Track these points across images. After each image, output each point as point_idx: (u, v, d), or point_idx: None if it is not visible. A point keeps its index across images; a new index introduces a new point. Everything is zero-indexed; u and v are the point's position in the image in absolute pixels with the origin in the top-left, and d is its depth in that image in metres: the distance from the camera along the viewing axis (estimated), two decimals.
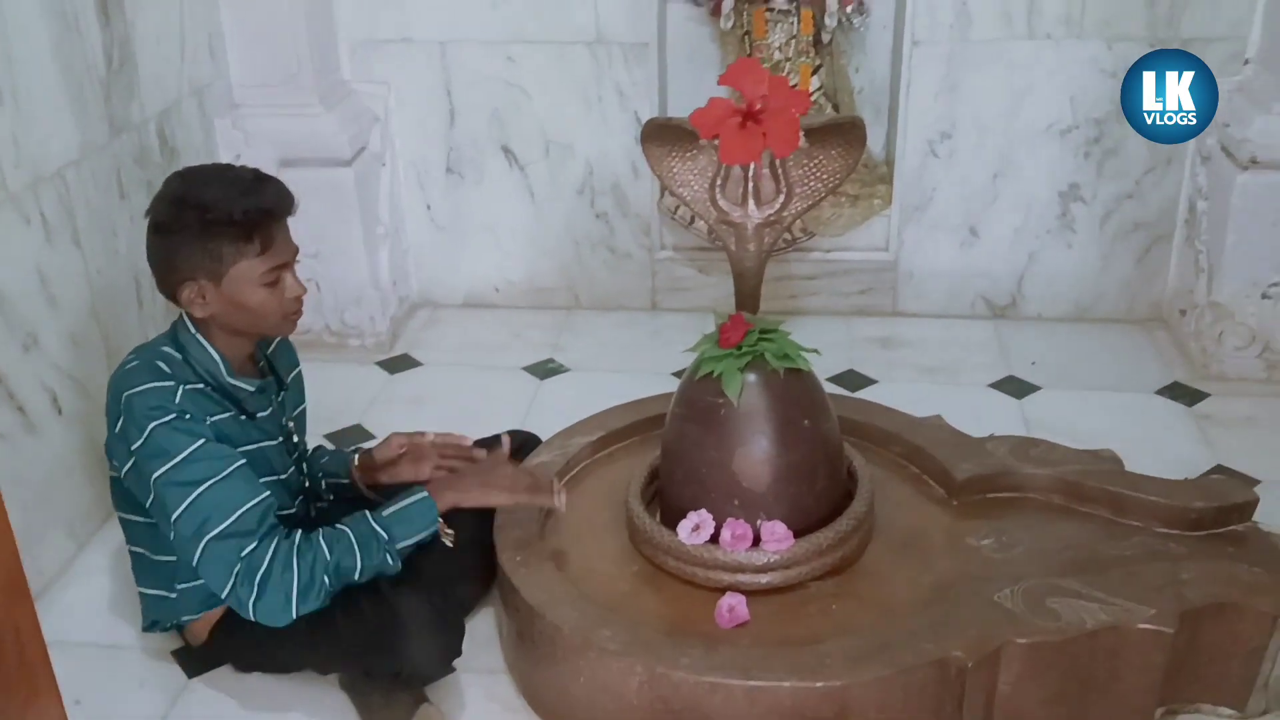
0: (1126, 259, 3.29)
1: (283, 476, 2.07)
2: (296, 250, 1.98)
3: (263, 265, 1.90)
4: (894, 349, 3.26)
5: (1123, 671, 1.89)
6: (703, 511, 2.04)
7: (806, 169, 2.18)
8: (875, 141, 3.42)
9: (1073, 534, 2.14)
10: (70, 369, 2.41)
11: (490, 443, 2.33)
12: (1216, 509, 2.12)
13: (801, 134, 2.05)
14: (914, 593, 2.03)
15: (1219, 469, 2.64)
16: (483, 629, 2.18)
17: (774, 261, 2.31)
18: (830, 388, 2.71)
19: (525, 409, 2.99)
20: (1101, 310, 3.35)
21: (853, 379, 3.10)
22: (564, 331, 3.41)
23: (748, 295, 2.22)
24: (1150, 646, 1.87)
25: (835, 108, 3.30)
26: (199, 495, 1.84)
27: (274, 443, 2.06)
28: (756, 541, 2.02)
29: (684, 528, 2.04)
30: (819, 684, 1.78)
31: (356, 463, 2.27)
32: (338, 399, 3.00)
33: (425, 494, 1.98)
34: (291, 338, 2.17)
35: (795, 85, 3.21)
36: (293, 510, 2.11)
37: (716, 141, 2.01)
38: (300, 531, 1.91)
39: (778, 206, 2.14)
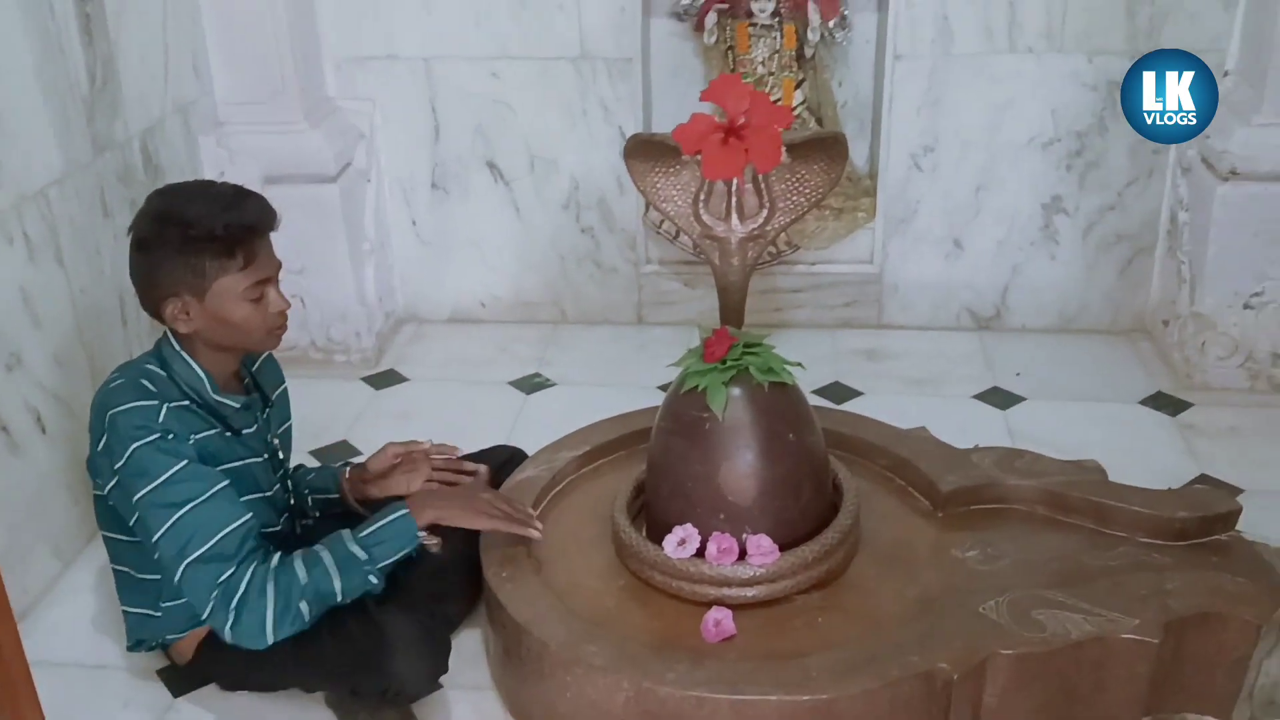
0: (1109, 270, 3.31)
1: (268, 493, 2.07)
2: (280, 265, 1.98)
3: (246, 280, 1.90)
4: (879, 361, 3.27)
5: (1108, 682, 1.89)
6: (688, 525, 2.04)
7: (789, 184, 2.19)
8: (859, 155, 3.43)
9: (1057, 545, 2.15)
10: (54, 388, 2.40)
11: (480, 457, 2.34)
12: (1200, 519, 2.13)
13: (784, 149, 2.07)
14: (900, 605, 2.03)
15: (1203, 479, 2.65)
16: (469, 645, 2.18)
17: (759, 275, 2.32)
18: (816, 400, 2.72)
19: (511, 424, 2.99)
20: (1085, 321, 3.36)
21: (838, 391, 3.11)
22: (550, 346, 3.41)
23: (732, 309, 2.23)
24: (1135, 657, 1.88)
25: (819, 121, 3.31)
26: (180, 517, 1.84)
27: (259, 459, 2.06)
28: (742, 555, 2.02)
29: (670, 542, 2.04)
30: (805, 697, 1.78)
31: (347, 475, 2.27)
32: (324, 415, 2.99)
33: (405, 510, 1.98)
34: (277, 354, 2.17)
35: (779, 99, 3.23)
36: (278, 527, 2.11)
37: (699, 157, 2.02)
38: (279, 555, 1.90)
39: (761, 221, 2.15)
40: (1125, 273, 3.30)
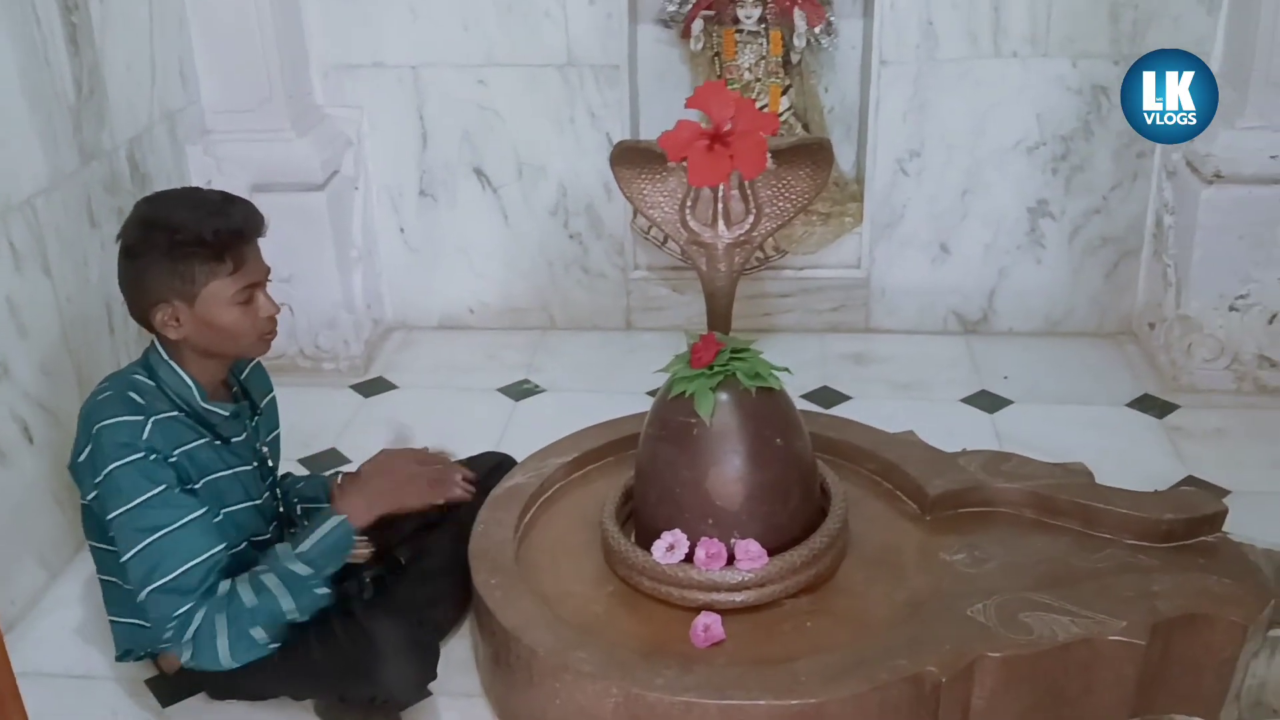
0: (1096, 273, 3.32)
1: (258, 502, 2.07)
2: (268, 270, 1.98)
3: (235, 285, 1.90)
4: (867, 365, 3.28)
5: (1095, 684, 1.90)
6: (677, 531, 2.04)
7: (775, 189, 2.19)
8: (846, 160, 3.44)
9: (1045, 548, 2.15)
10: (41, 398, 2.39)
11: (469, 463, 2.34)
12: (1187, 520, 2.14)
13: (769, 155, 2.07)
14: (888, 609, 2.04)
15: (1189, 480, 2.66)
16: (458, 653, 2.18)
17: (747, 280, 2.32)
18: (804, 404, 2.72)
19: (500, 430, 2.99)
20: (1072, 324, 3.37)
21: (826, 395, 3.11)
22: (539, 352, 3.41)
23: (720, 315, 2.24)
24: (1122, 658, 1.88)
25: (806, 127, 3.32)
26: (150, 543, 1.84)
27: (248, 468, 2.05)
28: (731, 560, 2.02)
29: (658, 547, 2.04)
30: (794, 702, 1.79)
31: (338, 483, 2.26)
32: (312, 423, 2.99)
33: (340, 518, 1.97)
34: (265, 362, 2.17)
35: (765, 105, 3.24)
36: (268, 535, 2.10)
37: (685, 163, 2.03)
38: (228, 583, 1.89)
39: (747, 227, 2.16)
40: (1111, 276, 3.32)
